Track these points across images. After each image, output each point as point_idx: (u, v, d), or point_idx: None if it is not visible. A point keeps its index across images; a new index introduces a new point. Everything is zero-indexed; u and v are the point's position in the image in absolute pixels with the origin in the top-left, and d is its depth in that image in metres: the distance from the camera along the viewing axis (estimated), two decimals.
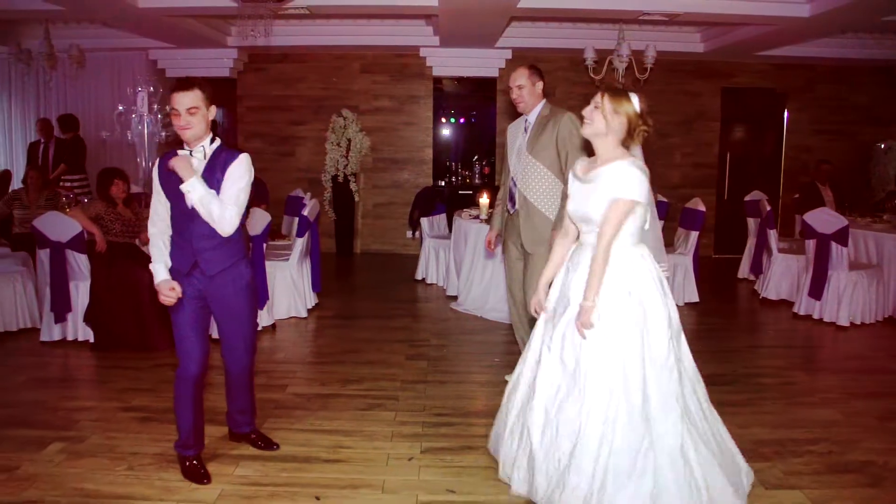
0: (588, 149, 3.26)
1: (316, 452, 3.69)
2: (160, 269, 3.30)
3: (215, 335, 3.83)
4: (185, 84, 3.18)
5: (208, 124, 3.24)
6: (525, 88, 4.29)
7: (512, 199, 4.45)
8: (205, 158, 3.25)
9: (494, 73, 9.69)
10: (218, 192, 3.21)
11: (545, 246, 4.26)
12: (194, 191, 3.13)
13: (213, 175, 3.22)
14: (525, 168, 4.33)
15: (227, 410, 3.76)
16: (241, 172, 3.25)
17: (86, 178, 8.51)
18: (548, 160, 4.26)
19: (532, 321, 4.37)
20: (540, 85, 4.35)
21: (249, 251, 3.84)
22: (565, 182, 4.19)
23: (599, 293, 2.94)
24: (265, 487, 3.32)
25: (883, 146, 9.98)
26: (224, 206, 3.18)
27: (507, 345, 5.61)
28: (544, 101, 4.39)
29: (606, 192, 2.94)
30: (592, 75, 7.70)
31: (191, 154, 3.22)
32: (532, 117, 4.37)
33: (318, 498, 3.23)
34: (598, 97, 3.01)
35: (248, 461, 3.58)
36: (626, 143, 3.04)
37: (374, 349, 5.51)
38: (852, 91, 10.25)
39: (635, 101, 3.00)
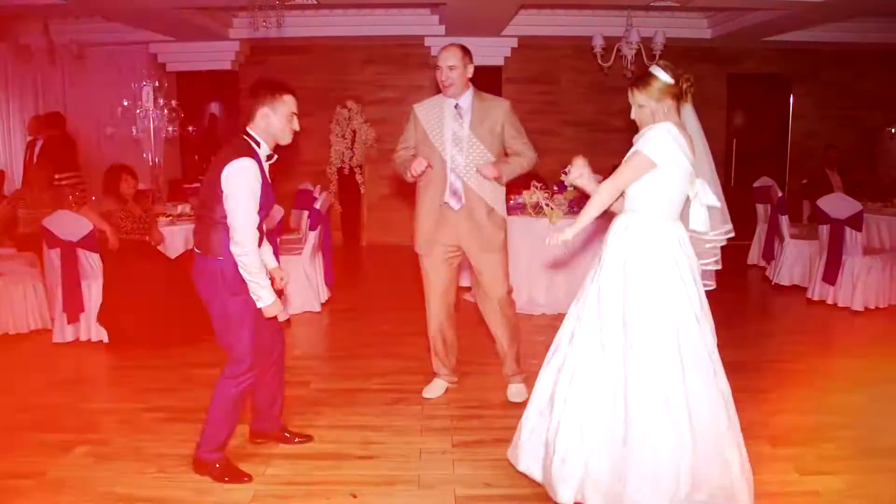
0: None
1: (347, 449, 3.65)
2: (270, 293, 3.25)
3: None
4: None
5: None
6: (457, 70, 3.94)
7: (456, 193, 4.04)
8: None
9: (500, 62, 9.63)
10: None
11: (500, 251, 4.13)
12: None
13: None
14: (471, 157, 4.00)
15: (260, 408, 3.68)
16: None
17: (76, 175, 8.36)
18: (495, 150, 4.03)
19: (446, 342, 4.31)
20: (471, 68, 4.01)
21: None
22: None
23: (574, 230, 3.03)
24: (300, 486, 3.29)
25: (893, 131, 9.95)
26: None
27: (526, 335, 5.55)
28: (472, 86, 4.08)
29: None
30: (601, 63, 7.64)
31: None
32: (465, 102, 4.01)
33: (354, 496, 3.20)
34: (630, 96, 3.04)
35: (280, 460, 3.54)
36: (678, 106, 3.03)
37: (392, 342, 5.47)
38: (858, 76, 10.21)
39: (661, 74, 2.98)
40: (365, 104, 9.70)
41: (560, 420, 3.00)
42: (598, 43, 7.49)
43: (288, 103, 3.22)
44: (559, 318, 6.01)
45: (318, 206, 6.38)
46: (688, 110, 3.13)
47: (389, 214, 9.96)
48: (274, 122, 3.19)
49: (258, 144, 3.18)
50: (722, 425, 2.87)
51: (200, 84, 9.50)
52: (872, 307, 6.49)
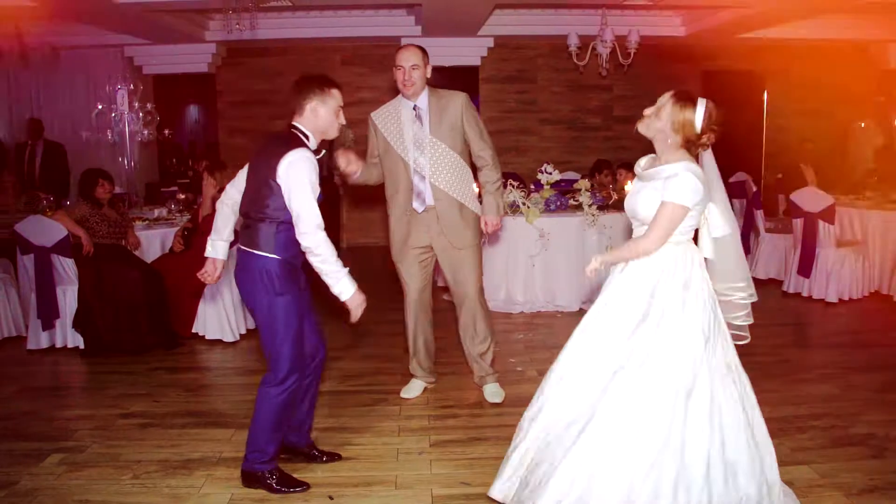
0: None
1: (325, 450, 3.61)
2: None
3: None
4: None
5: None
6: (419, 70, 3.90)
7: (420, 196, 4.02)
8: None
9: (476, 62, 9.64)
10: None
11: (472, 248, 4.10)
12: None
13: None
14: (434, 157, 3.97)
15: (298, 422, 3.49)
16: None
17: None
18: (458, 146, 3.98)
19: (426, 347, 4.31)
20: (429, 69, 3.96)
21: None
22: (474, 168, 4.11)
23: (609, 264, 2.93)
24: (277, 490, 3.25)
25: (863, 125, 10.04)
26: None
27: (502, 334, 5.58)
28: (427, 86, 4.04)
29: (656, 192, 2.80)
30: (576, 61, 7.66)
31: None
32: (422, 102, 3.98)
33: (331, 497, 3.17)
34: (663, 98, 2.86)
35: None
36: (692, 151, 2.87)
37: (371, 343, 5.45)
38: (829, 71, 10.29)
39: (699, 113, 2.79)
40: (343, 105, 9.64)
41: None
42: (574, 42, 7.51)
43: (336, 97, 3.16)
44: (537, 316, 6.18)
45: None
46: (708, 157, 2.97)
47: (369, 215, 9.93)
48: (323, 115, 3.13)
49: (307, 138, 3.13)
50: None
51: (177, 87, 9.45)
52: (846, 298, 6.57)
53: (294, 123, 3.15)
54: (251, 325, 5.79)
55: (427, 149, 3.97)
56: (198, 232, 5.61)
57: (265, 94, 9.82)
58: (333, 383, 4.61)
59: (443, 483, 3.29)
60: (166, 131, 7.78)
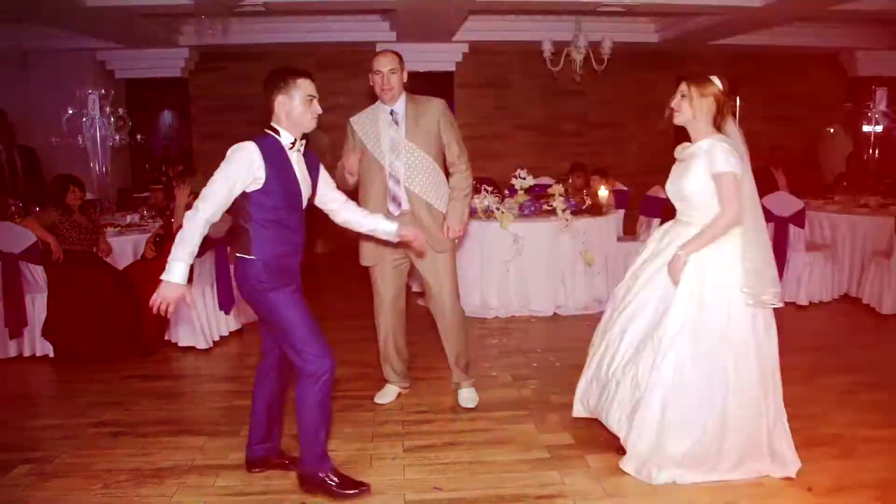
0: None
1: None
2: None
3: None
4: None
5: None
6: (396, 74, 3.93)
7: (395, 199, 4.05)
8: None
9: (451, 68, 9.68)
10: (315, 185, 3.27)
11: (447, 252, 4.12)
12: None
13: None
14: (410, 161, 3.99)
15: (256, 426, 3.46)
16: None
17: None
18: (433, 151, 4.01)
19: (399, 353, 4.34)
20: (405, 74, 4.01)
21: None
22: (449, 174, 4.13)
23: (692, 253, 3.18)
24: (251, 497, 3.24)
25: (832, 131, 10.21)
26: None
27: (477, 339, 5.60)
28: (404, 91, 4.07)
29: (698, 168, 3.18)
30: (550, 67, 7.72)
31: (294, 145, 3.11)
32: (399, 107, 4.00)
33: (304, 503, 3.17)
34: (683, 86, 3.24)
35: (230, 471, 3.48)
36: (718, 122, 3.23)
37: (345, 349, 5.41)
38: (800, 78, 10.50)
39: (717, 82, 3.21)
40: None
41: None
42: (548, 48, 7.58)
43: (302, 86, 3.04)
44: (512, 321, 6.21)
45: None
46: (731, 125, 3.28)
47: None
48: (292, 108, 3.04)
49: (278, 134, 3.07)
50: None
51: (150, 91, 9.37)
52: (816, 301, 6.68)
53: (270, 123, 3.11)
54: (225, 332, 5.76)
55: (403, 153, 3.99)
56: (170, 238, 5.56)
57: (239, 99, 9.78)
58: None
59: (416, 488, 3.29)
60: (138, 136, 7.72)
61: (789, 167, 9.11)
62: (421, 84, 9.74)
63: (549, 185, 6.83)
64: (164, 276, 2.91)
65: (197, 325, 5.48)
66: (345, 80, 9.83)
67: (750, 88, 10.39)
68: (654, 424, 3.18)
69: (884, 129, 10.24)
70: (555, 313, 6.37)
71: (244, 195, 3.01)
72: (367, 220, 3.48)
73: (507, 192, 6.66)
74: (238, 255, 3.10)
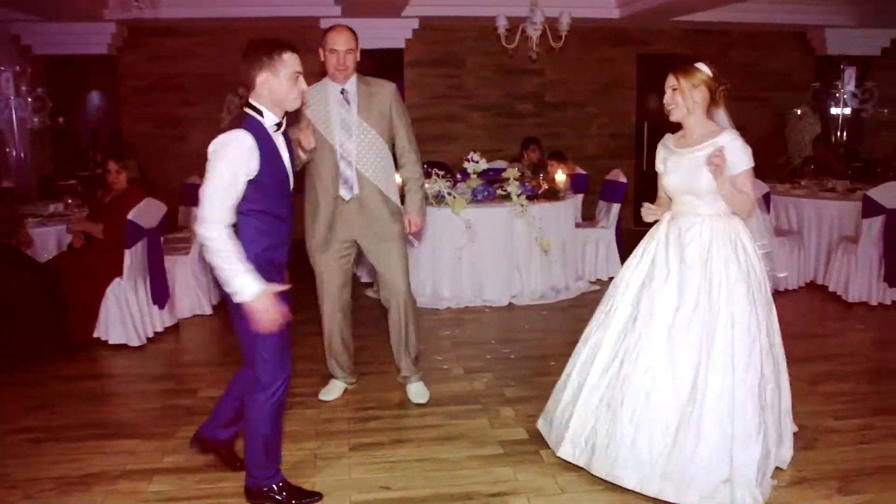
0: None
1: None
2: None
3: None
4: None
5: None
6: (352, 54, 3.95)
7: (347, 183, 4.05)
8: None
9: (401, 45, 9.66)
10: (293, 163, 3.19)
11: (397, 241, 4.17)
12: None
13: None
14: (362, 142, 4.02)
15: (219, 415, 3.51)
16: None
17: None
18: (385, 134, 4.07)
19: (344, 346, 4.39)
20: (359, 53, 4.04)
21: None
22: (398, 164, 4.19)
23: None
24: (185, 502, 3.26)
25: (799, 112, 10.46)
26: None
27: (428, 330, 5.68)
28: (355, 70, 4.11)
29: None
30: (505, 44, 7.77)
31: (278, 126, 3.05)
32: (350, 86, 4.03)
33: None
34: (672, 80, 3.28)
35: (162, 475, 3.49)
36: (709, 109, 3.33)
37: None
38: (767, 57, 10.71)
39: (705, 68, 3.27)
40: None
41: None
42: (502, 24, 7.60)
43: (289, 62, 2.95)
44: (465, 311, 6.28)
45: None
46: (722, 114, 3.40)
47: None
48: (276, 86, 2.94)
49: (261, 114, 2.98)
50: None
51: (73, 70, 9.17)
52: (782, 289, 6.85)
53: (249, 101, 3.02)
54: (159, 328, 5.73)
55: (355, 133, 4.02)
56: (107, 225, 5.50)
57: (172, 78, 9.65)
58: None
59: (362, 488, 3.34)
60: (60, 118, 7.57)
61: (756, 150, 9.33)
62: (369, 63, 9.68)
63: (504, 169, 6.91)
64: (238, 300, 2.87)
65: (128, 320, 5.43)
66: None
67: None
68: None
69: (852, 110, 10.55)
70: (510, 303, 6.46)
71: None
72: None
73: (459, 176, 6.72)
74: None
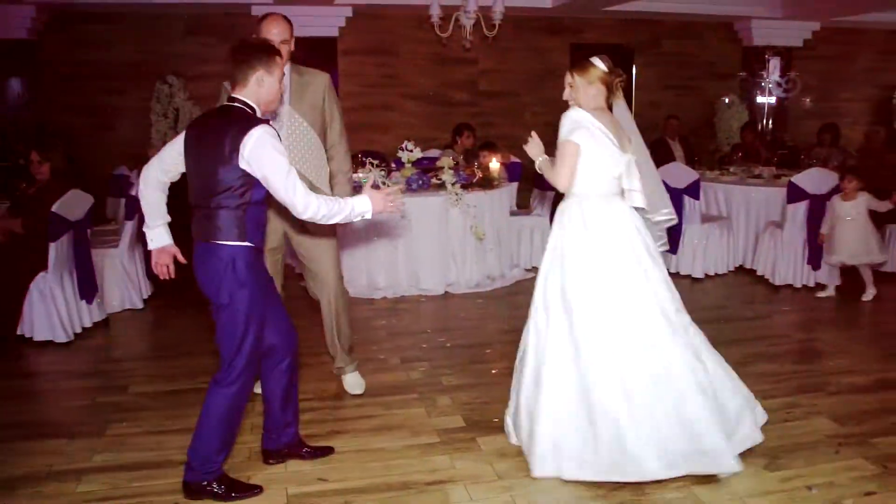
0: None
1: (169, 455, 3.57)
2: None
3: None
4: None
5: None
6: (288, 44, 3.91)
7: None
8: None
9: (334, 33, 9.57)
10: None
11: (329, 235, 4.15)
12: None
13: None
14: (292, 132, 3.98)
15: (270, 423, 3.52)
16: None
17: None
18: (317, 126, 4.05)
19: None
20: (293, 42, 4.00)
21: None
22: (327, 152, 4.15)
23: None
24: (116, 501, 3.19)
25: (727, 100, 10.74)
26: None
27: (364, 321, 5.67)
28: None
29: None
30: (439, 33, 7.77)
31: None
32: (285, 77, 3.93)
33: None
34: (568, 77, 3.45)
35: (93, 474, 3.42)
36: (608, 99, 3.49)
37: None
38: (697, 47, 10.95)
39: (600, 63, 3.42)
40: (188, 79, 9.35)
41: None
42: (436, 12, 7.59)
43: (280, 65, 3.11)
44: (401, 301, 6.30)
45: (134, 192, 6.16)
46: (621, 106, 3.60)
47: None
48: (269, 86, 3.06)
49: (253, 111, 3.05)
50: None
51: None
52: (712, 273, 7.10)
53: (235, 96, 3.06)
54: (87, 323, 5.58)
55: (286, 124, 3.96)
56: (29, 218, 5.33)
57: (99, 65, 9.36)
58: (182, 382, 4.54)
59: (299, 481, 3.33)
60: None
61: (686, 137, 9.57)
62: (302, 51, 9.58)
63: (438, 158, 6.92)
64: (369, 217, 3.18)
65: (54, 316, 5.28)
66: (218, 45, 9.54)
67: (645, 57, 10.78)
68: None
69: (777, 99, 10.88)
70: (445, 292, 6.50)
71: (246, 174, 2.96)
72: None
73: (393, 165, 6.71)
74: (219, 241, 3.03)
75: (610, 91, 3.46)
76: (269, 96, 3.10)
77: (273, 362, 3.37)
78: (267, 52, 3.08)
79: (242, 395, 3.18)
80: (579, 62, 3.45)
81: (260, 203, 3.07)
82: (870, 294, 6.33)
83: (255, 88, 3.06)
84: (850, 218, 6.19)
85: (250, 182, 2.98)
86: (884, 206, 6.22)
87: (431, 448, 3.64)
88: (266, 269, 3.27)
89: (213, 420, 3.12)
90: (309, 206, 2.98)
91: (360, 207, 3.12)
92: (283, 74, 3.15)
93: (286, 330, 3.37)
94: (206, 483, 3.16)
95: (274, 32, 3.86)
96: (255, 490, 3.24)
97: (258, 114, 3.08)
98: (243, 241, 3.03)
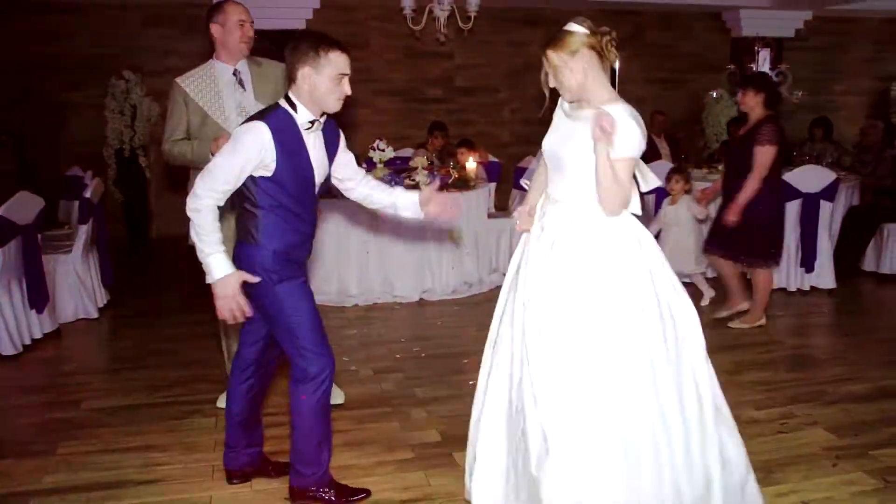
0: None
1: (127, 475, 3.54)
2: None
3: None
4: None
5: None
6: (251, 26, 3.93)
7: None
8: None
9: (301, 25, 9.53)
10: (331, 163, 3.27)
11: None
12: None
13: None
14: None
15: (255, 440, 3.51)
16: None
17: None
18: None
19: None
20: None
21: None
22: None
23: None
24: None
25: (714, 95, 10.81)
26: None
27: (334, 329, 5.64)
28: None
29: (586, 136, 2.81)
30: (412, 26, 7.76)
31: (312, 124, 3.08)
32: (243, 67, 3.96)
33: None
34: (546, 61, 2.91)
35: (42, 497, 3.37)
36: (604, 65, 2.92)
37: (184, 348, 5.36)
38: (682, 38, 11.02)
39: (578, 27, 2.85)
40: (146, 74, 9.29)
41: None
42: (408, 4, 7.58)
43: (335, 61, 2.97)
44: (374, 308, 6.28)
45: (88, 194, 6.10)
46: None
47: (182, 201, 9.63)
48: (317, 84, 2.97)
49: (294, 108, 3.01)
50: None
51: None
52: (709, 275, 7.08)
53: (288, 93, 3.05)
54: (37, 334, 5.52)
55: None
56: None
57: (53, 59, 9.28)
58: (139, 396, 4.51)
59: (265, 500, 3.31)
60: None
61: (672, 134, 9.63)
62: (266, 45, 9.55)
63: (411, 158, 6.92)
64: (208, 280, 2.98)
65: (1, 327, 5.21)
66: (178, 38, 9.52)
67: (627, 49, 10.79)
68: None
69: None
70: (421, 298, 6.49)
71: (251, 178, 2.97)
72: (385, 196, 3.47)
73: (364, 165, 6.69)
74: (246, 242, 3.07)
75: (602, 55, 2.87)
76: (319, 95, 3.02)
77: (247, 360, 3.35)
78: (315, 46, 2.99)
79: (327, 391, 3.13)
80: (554, 37, 2.88)
81: (276, 209, 3.03)
82: (707, 298, 6.33)
83: (302, 85, 3.01)
84: (676, 224, 6.18)
85: (254, 184, 3.00)
86: (702, 213, 6.12)
87: (405, 464, 3.63)
88: (302, 273, 3.21)
89: (305, 421, 3.12)
90: (198, 197, 2.94)
91: (214, 264, 2.96)
92: (342, 74, 3.02)
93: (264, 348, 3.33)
94: (315, 487, 3.20)
95: (245, 12, 3.88)
96: (363, 494, 3.30)
97: (300, 111, 3.02)
98: (263, 243, 3.03)
